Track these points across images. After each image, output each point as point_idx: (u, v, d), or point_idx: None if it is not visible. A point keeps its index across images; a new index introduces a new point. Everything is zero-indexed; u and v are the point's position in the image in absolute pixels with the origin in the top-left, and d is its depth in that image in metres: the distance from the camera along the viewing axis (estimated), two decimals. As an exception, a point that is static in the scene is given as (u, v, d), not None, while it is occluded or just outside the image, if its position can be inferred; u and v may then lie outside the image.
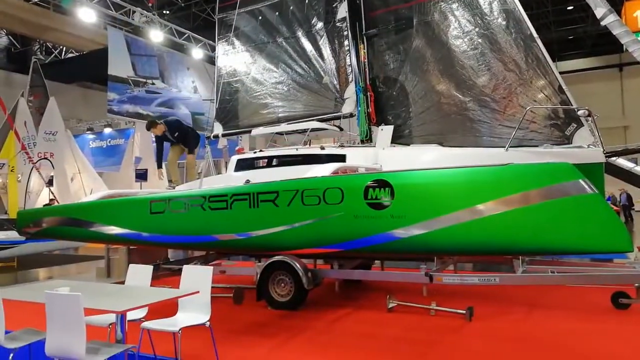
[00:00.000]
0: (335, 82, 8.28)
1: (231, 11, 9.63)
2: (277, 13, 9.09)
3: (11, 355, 3.60)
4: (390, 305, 6.30)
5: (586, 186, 4.54)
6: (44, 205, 15.18)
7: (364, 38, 8.20)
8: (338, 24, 8.36)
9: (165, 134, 8.68)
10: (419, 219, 5.03)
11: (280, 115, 8.81)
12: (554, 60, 6.78)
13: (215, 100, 9.55)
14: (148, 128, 8.85)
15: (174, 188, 8.56)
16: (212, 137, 9.74)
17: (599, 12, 6.47)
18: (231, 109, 9.42)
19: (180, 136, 8.80)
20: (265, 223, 5.98)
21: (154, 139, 21.58)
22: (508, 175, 4.83)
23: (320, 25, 8.57)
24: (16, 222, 8.81)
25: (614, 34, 6.52)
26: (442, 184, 5.09)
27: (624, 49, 6.88)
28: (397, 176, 5.29)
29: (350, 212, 5.40)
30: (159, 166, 8.97)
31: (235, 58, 9.54)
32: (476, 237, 4.87)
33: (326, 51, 8.47)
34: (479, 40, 6.96)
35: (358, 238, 5.47)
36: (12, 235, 10.87)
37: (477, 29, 6.99)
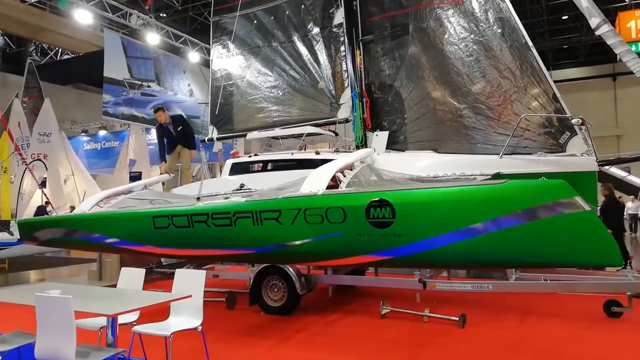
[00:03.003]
0: (331, 87, 8.28)
1: (226, 14, 9.63)
2: (272, 17, 9.08)
3: (0, 358, 3.57)
4: (384, 312, 6.29)
5: (580, 203, 4.60)
6: (38, 207, 15.14)
7: (360, 44, 8.22)
8: (334, 30, 8.37)
9: (168, 126, 8.77)
10: (420, 237, 5.05)
11: (275, 119, 8.79)
12: (548, 69, 6.81)
13: (210, 104, 9.53)
14: (155, 111, 8.97)
15: (169, 174, 8.68)
16: (207, 140, 9.72)
17: (593, 22, 6.51)
18: (226, 113, 9.39)
19: (182, 131, 8.86)
20: (270, 240, 5.92)
21: (149, 141, 21.35)
22: (507, 194, 4.87)
23: (316, 30, 8.57)
24: (19, 232, 8.64)
25: (608, 43, 6.56)
26: (443, 202, 5.10)
27: (618, 59, 6.93)
28: (399, 195, 5.30)
29: (353, 230, 5.39)
30: (163, 159, 8.97)
31: (230, 61, 9.52)
32: (475, 254, 4.91)
33: (322, 56, 8.48)
34: (474, 47, 6.99)
35: (361, 255, 5.47)
36: (4, 237, 10.79)
37: (472, 36, 7.02)
